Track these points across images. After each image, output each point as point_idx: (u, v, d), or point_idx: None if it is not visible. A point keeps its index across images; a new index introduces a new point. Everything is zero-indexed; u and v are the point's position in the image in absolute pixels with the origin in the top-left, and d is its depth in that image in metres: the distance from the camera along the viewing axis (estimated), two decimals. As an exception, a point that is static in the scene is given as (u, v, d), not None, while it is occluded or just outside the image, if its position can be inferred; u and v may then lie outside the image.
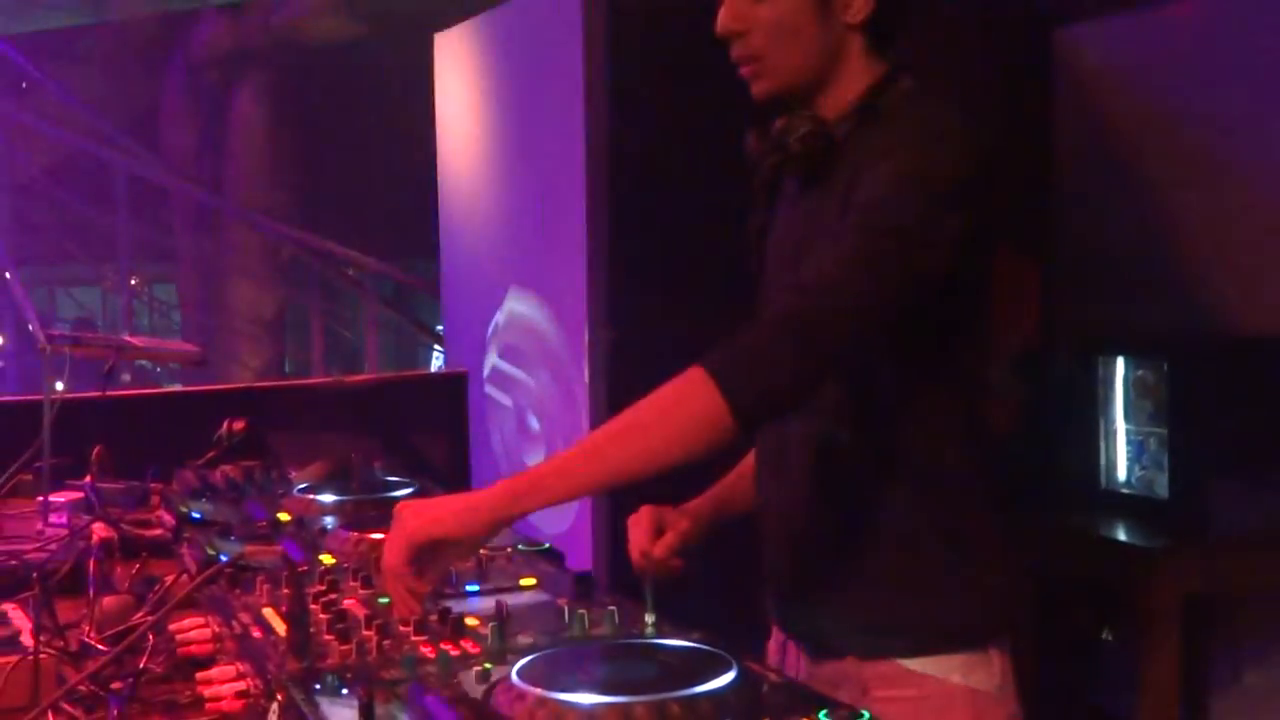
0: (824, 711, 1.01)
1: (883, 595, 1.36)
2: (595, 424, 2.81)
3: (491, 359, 3.43)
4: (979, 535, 1.34)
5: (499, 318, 3.35)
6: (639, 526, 1.47)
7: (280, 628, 1.30)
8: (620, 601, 1.40)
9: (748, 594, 1.63)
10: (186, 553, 1.71)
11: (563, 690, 1.05)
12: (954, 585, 1.34)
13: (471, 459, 3.36)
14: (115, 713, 1.22)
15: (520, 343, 3.23)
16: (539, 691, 1.05)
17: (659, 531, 1.46)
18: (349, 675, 1.17)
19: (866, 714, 1.00)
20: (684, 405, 1.10)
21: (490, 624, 1.30)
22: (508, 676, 1.11)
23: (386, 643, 1.27)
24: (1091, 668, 2.48)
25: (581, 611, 1.33)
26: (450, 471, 3.09)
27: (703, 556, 1.50)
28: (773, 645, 1.52)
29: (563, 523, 2.93)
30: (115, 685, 1.28)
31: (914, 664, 1.36)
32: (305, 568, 1.56)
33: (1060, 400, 2.60)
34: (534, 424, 3.18)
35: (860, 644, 1.38)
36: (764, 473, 1.43)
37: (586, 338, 2.83)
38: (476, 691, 1.11)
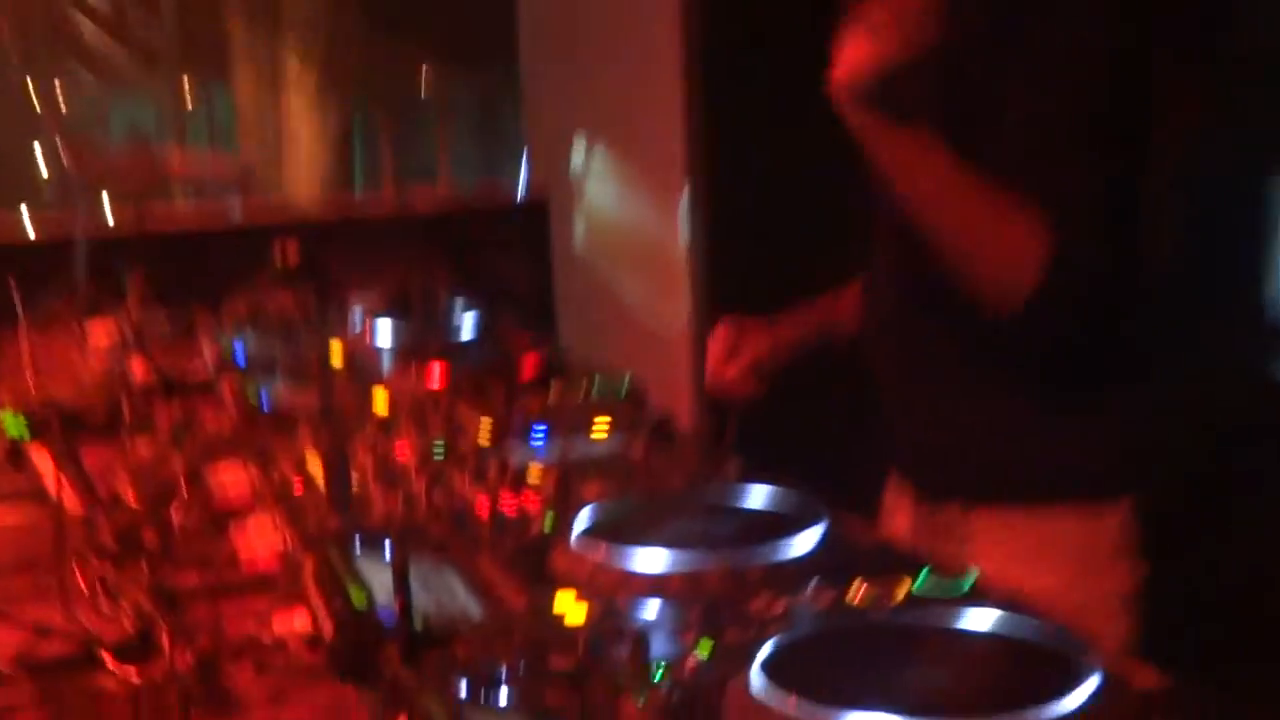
0: (926, 570, 1.00)
1: (1002, 437, 1.37)
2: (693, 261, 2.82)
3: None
4: (1116, 377, 1.34)
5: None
6: (715, 343, 1.47)
7: (322, 479, 1.32)
8: (703, 447, 1.41)
9: (857, 436, 1.64)
10: (227, 394, 1.75)
11: (629, 550, 1.05)
12: (1079, 429, 1.34)
13: (556, 290, 3.36)
14: (146, 570, 1.26)
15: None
16: (602, 551, 1.05)
17: (735, 351, 1.45)
18: (392, 533, 1.18)
19: (974, 572, 0.99)
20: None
21: (553, 475, 1.30)
22: (569, 533, 1.11)
23: (438, 496, 1.28)
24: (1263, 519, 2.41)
25: (658, 460, 1.32)
26: (531, 304, 3.09)
27: (801, 389, 1.48)
28: (887, 495, 1.53)
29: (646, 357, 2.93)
30: (147, 539, 1.32)
31: (1030, 513, 1.37)
32: (351, 411, 1.58)
33: (1227, 224, 2.45)
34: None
35: (975, 490, 1.40)
36: (884, 306, 1.39)
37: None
38: (535, 550, 1.13)
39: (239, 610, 1.19)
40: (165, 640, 1.10)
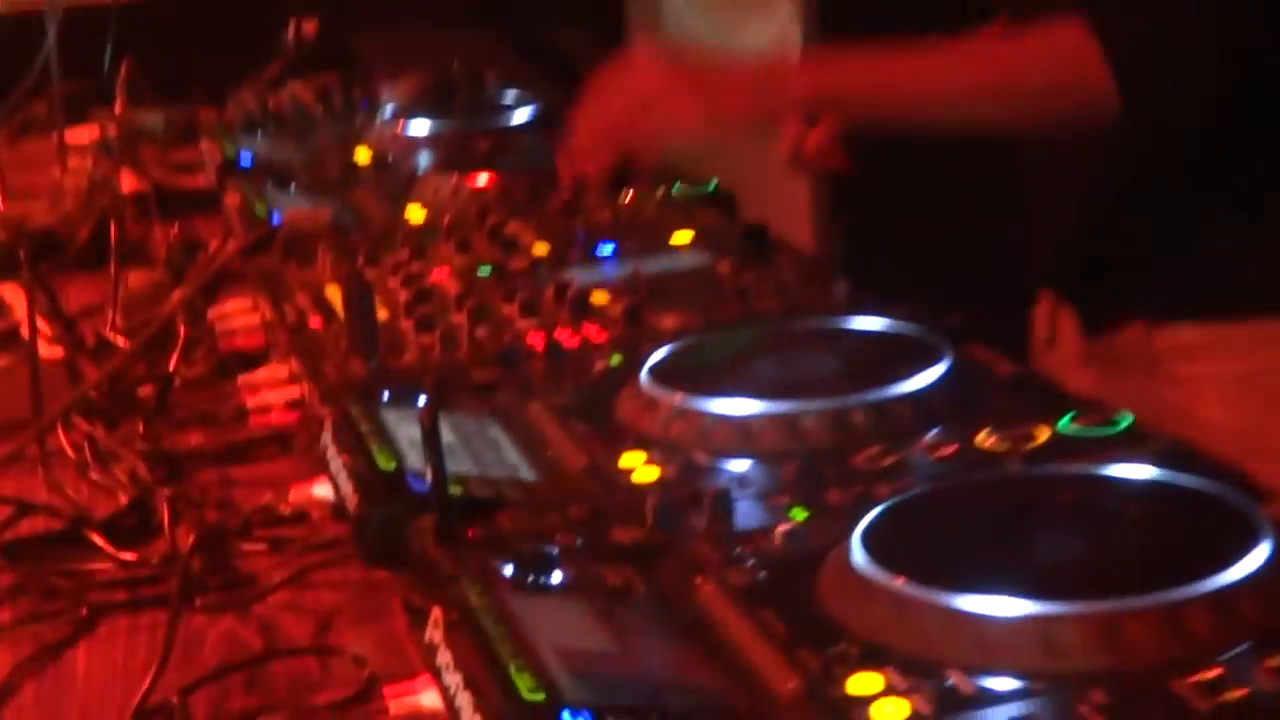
0: (1068, 415, 0.99)
1: (1195, 241, 1.35)
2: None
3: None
4: None
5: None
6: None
7: (344, 314, 1.33)
8: (805, 264, 1.39)
9: (998, 246, 1.61)
10: (231, 210, 1.77)
11: (709, 394, 1.05)
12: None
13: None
14: (141, 428, 1.29)
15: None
16: (677, 396, 1.05)
17: (813, 121, 1.48)
18: (427, 380, 1.19)
19: (1128, 417, 0.98)
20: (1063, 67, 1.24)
21: (622, 301, 1.29)
22: (639, 374, 1.11)
23: (482, 330, 1.28)
24: None
25: (748, 282, 1.31)
26: None
27: (921, 183, 1.47)
28: (1040, 313, 1.53)
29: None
30: (142, 391, 1.36)
31: (1233, 331, 1.35)
32: (380, 228, 1.59)
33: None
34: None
35: (1158, 304, 1.37)
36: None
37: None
38: (598, 396, 1.13)
39: (250, 477, 1.22)
40: (164, 514, 1.13)
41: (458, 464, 1.02)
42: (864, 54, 1.31)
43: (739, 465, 1.00)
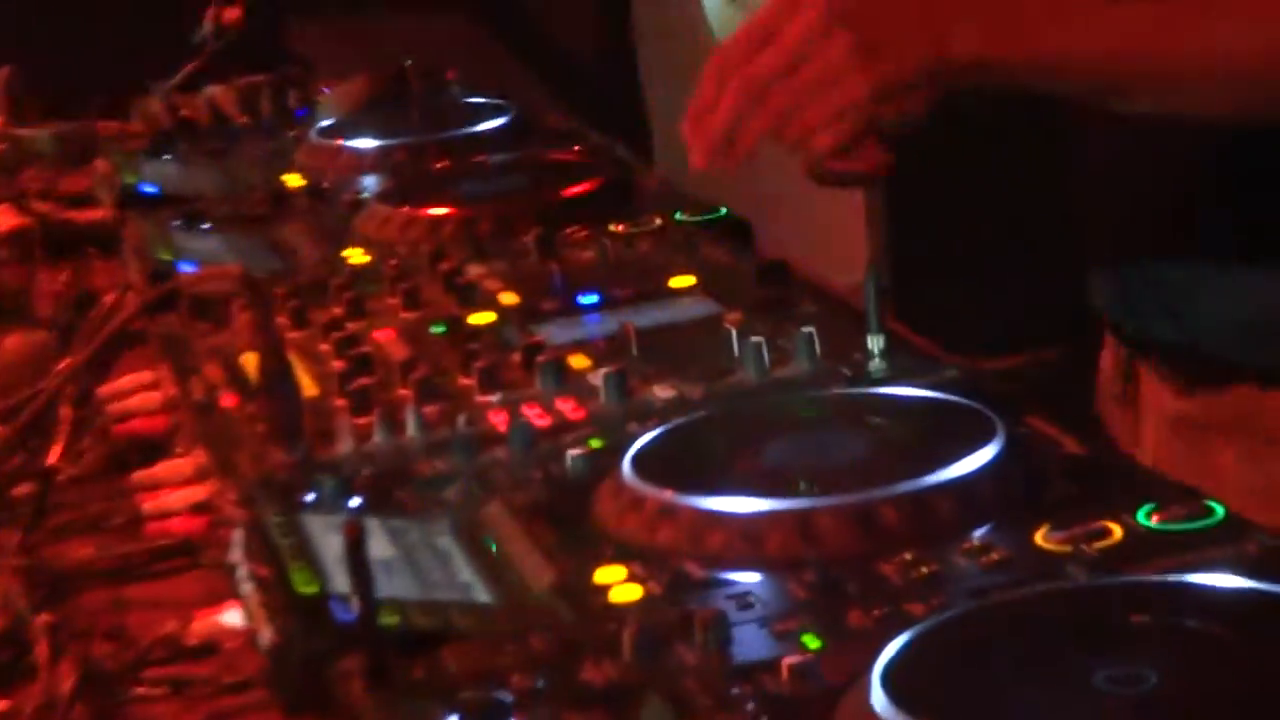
0: (1147, 507, 1.02)
1: None
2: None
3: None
4: None
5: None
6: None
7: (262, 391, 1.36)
8: (836, 311, 1.44)
9: (1058, 273, 1.64)
10: (130, 255, 1.80)
11: (705, 489, 1.09)
12: None
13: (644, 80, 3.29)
14: (15, 538, 1.32)
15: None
16: (666, 493, 1.08)
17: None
18: (361, 476, 1.22)
19: (1219, 509, 1.00)
20: None
21: (605, 369, 1.32)
22: (619, 465, 1.13)
23: (432, 408, 1.31)
24: None
25: (759, 338, 1.33)
26: (604, 99, 2.96)
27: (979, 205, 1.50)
28: (1107, 360, 1.55)
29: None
30: (16, 490, 1.38)
31: None
32: (310, 276, 1.63)
33: None
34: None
35: (1267, 354, 1.38)
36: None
37: None
38: (572, 492, 1.17)
39: (147, 598, 1.25)
40: (42, 647, 1.16)
41: (396, 585, 1.05)
42: None
43: (741, 579, 1.02)
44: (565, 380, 1.36)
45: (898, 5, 1.23)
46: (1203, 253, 1.43)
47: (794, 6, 1.24)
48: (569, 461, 1.20)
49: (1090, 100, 1.30)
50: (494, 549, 1.11)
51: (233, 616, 1.13)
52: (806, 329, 1.35)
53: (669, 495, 1.09)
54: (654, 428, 1.22)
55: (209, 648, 1.15)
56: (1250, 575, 0.92)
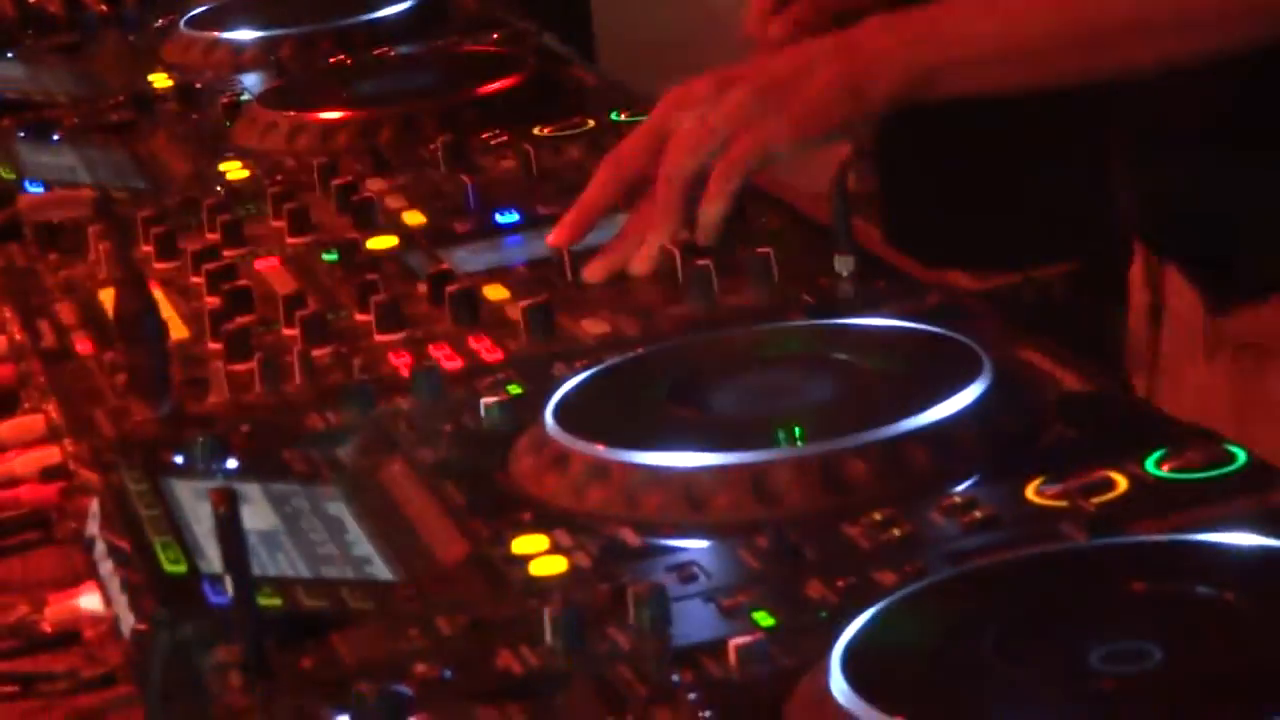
0: (1157, 454, 1.03)
1: None
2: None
3: None
4: None
5: None
6: None
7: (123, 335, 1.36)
8: (801, 229, 1.45)
9: (1076, 176, 1.66)
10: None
11: (640, 442, 1.09)
12: None
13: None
14: None
15: None
16: (596, 447, 1.09)
17: None
18: (239, 433, 1.22)
19: (1241, 454, 1.01)
20: None
21: (527, 304, 1.32)
22: (541, 416, 1.14)
23: (322, 351, 1.32)
24: None
25: (705, 262, 1.34)
26: None
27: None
28: (1137, 272, 1.56)
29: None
30: None
31: None
32: (179, 196, 1.62)
33: None
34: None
35: None
36: None
37: None
38: (487, 449, 1.17)
39: (-10, 581, 1.25)
40: None
41: (279, 561, 1.05)
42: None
43: (683, 546, 1.03)
44: (479, 315, 1.36)
45: (807, 68, 1.37)
46: (1239, 155, 1.45)
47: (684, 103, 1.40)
48: (483, 411, 1.20)
49: (1035, 85, 1.41)
50: (394, 516, 1.12)
51: (92, 600, 1.14)
52: (762, 250, 1.36)
53: (599, 450, 1.09)
54: (582, 371, 1.22)
55: (66, 637, 1.16)
56: (1275, 533, 0.92)
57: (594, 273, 1.41)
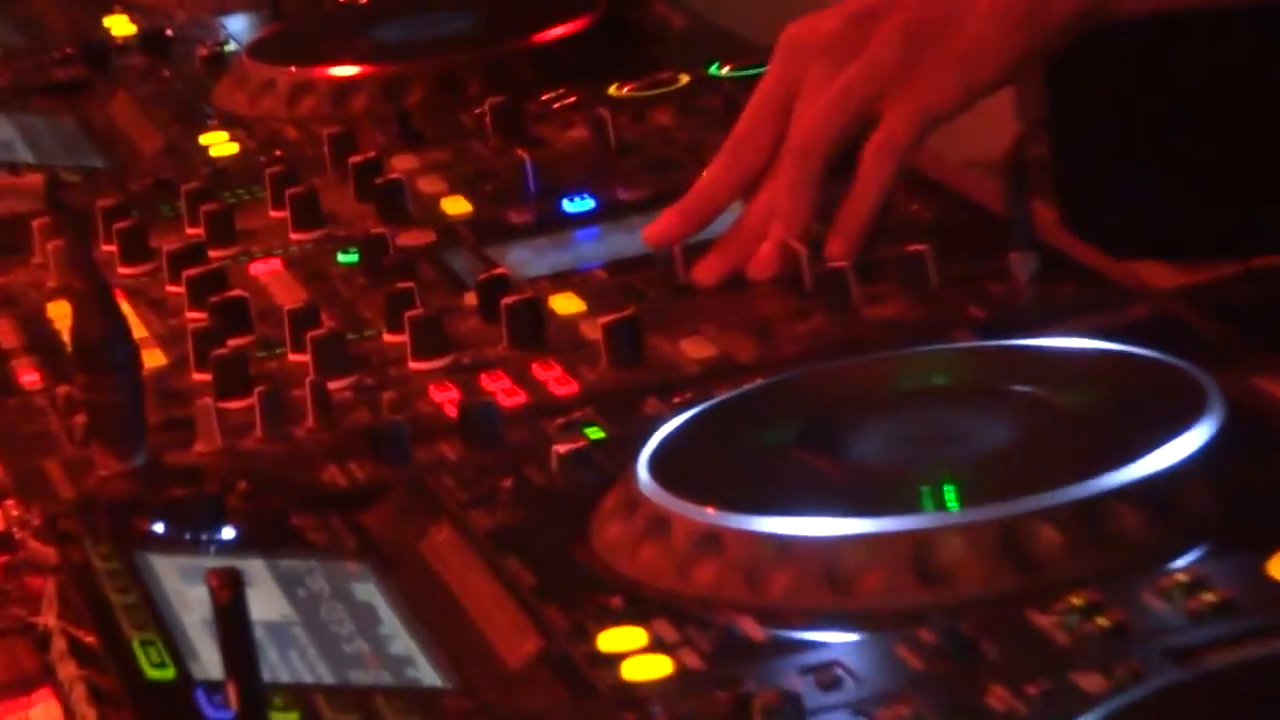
0: None
1: None
2: None
3: None
4: None
5: None
6: None
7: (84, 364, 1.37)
8: (958, 212, 1.46)
9: None
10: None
11: (761, 503, 1.10)
12: None
13: None
14: None
15: None
16: (703, 510, 1.09)
17: None
18: (236, 491, 1.23)
19: None
20: None
21: (609, 319, 1.33)
22: (631, 467, 1.15)
23: (340, 382, 1.33)
24: None
25: (841, 264, 1.36)
26: None
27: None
28: None
29: None
30: None
31: None
32: (148, 186, 1.63)
33: None
34: None
35: None
36: None
37: None
38: (558, 514, 1.18)
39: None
40: None
41: (293, 662, 1.05)
42: None
43: (823, 640, 1.03)
44: (546, 335, 1.37)
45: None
46: None
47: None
48: (555, 463, 1.21)
49: None
50: (442, 600, 1.12)
51: (46, 713, 1.14)
52: (914, 248, 1.36)
53: (709, 514, 1.09)
54: (684, 409, 1.23)
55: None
56: None
57: (706, 273, 1.42)
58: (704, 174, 1.44)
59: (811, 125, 1.37)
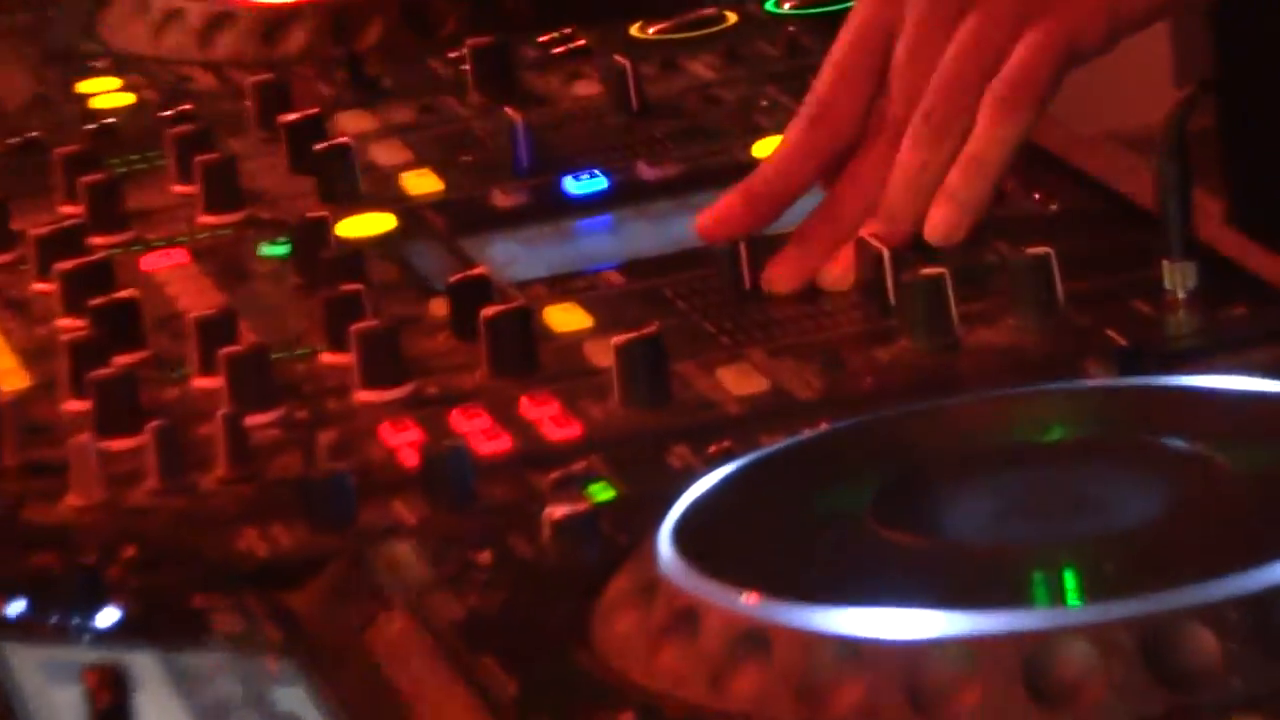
0: None
1: None
2: None
3: None
4: None
5: None
6: None
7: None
8: (1089, 202, 1.47)
9: None
10: None
11: (826, 590, 1.10)
12: None
13: None
14: None
15: None
16: (746, 597, 1.10)
17: None
18: (122, 560, 1.24)
19: None
20: None
21: (625, 339, 1.34)
22: (651, 539, 1.16)
23: (264, 417, 1.34)
24: None
25: (935, 271, 1.35)
26: None
27: None
28: None
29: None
30: None
31: None
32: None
33: None
34: None
35: None
36: None
37: None
38: (553, 600, 1.19)
39: None
40: None
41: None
42: None
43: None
44: (538, 358, 1.38)
45: None
46: None
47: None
48: (548, 530, 1.21)
49: None
50: (394, 712, 1.13)
51: None
52: (1034, 250, 1.37)
53: (753, 605, 1.10)
54: (721, 462, 1.23)
55: None
56: None
57: (782, 277, 1.44)
58: (776, 147, 1.45)
59: (918, 82, 1.39)
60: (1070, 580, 1.08)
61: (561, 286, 1.44)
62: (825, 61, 1.45)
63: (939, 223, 1.38)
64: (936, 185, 1.38)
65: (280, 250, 1.48)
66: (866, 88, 1.43)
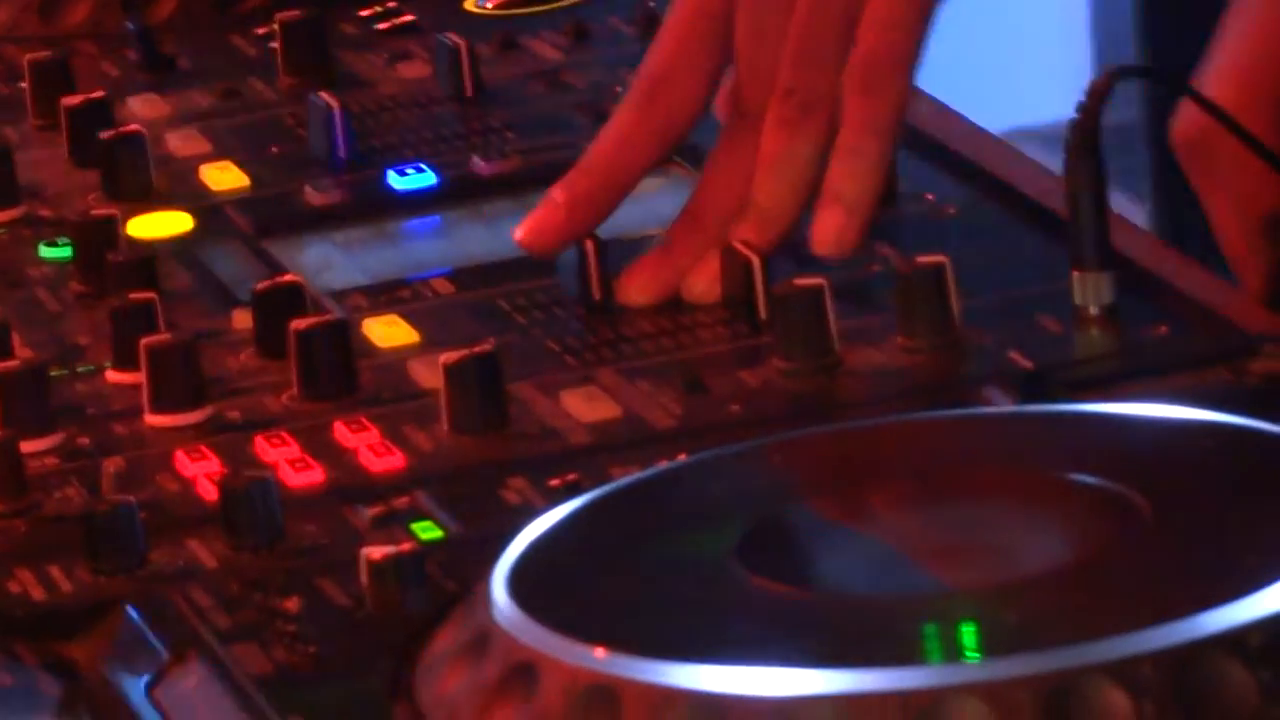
0: None
1: None
2: None
3: None
4: None
5: None
6: None
7: None
8: (988, 202, 1.49)
9: None
10: None
11: (673, 645, 1.11)
12: None
13: None
14: None
15: None
16: (587, 653, 1.10)
17: None
18: None
19: None
20: None
21: (454, 357, 1.34)
22: (483, 586, 1.16)
23: (40, 444, 1.35)
24: None
25: (814, 283, 1.36)
26: None
27: None
28: None
29: None
30: None
31: None
32: None
33: None
34: None
35: None
36: None
37: None
38: (369, 654, 1.19)
39: None
40: None
41: None
42: None
43: None
44: (356, 378, 1.39)
45: None
46: None
47: None
48: (366, 572, 1.22)
49: None
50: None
51: None
52: (927, 260, 1.38)
53: (601, 657, 1.11)
54: (564, 499, 1.24)
55: None
56: None
57: (639, 288, 1.45)
58: (603, 130, 1.46)
59: (762, 64, 1.40)
60: (964, 634, 1.08)
61: (383, 296, 1.45)
62: (658, 33, 1.46)
63: (827, 230, 1.38)
64: (809, 175, 1.39)
65: (61, 253, 1.47)
66: (709, 60, 1.44)
